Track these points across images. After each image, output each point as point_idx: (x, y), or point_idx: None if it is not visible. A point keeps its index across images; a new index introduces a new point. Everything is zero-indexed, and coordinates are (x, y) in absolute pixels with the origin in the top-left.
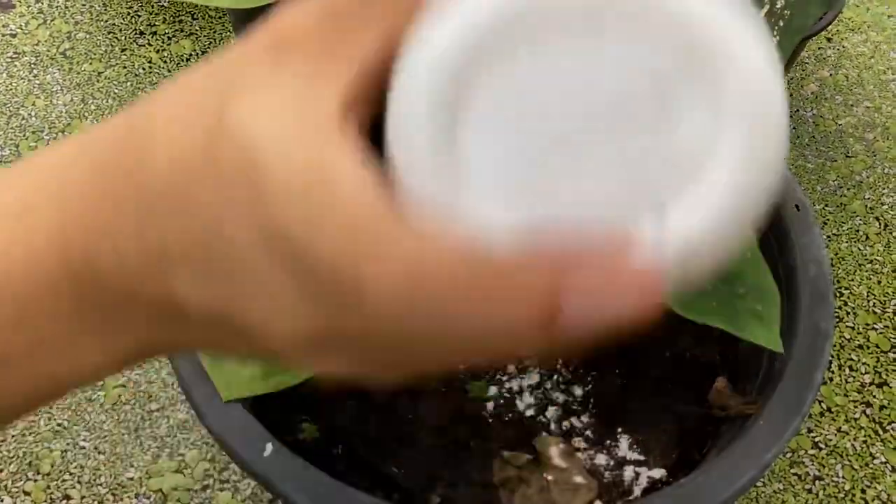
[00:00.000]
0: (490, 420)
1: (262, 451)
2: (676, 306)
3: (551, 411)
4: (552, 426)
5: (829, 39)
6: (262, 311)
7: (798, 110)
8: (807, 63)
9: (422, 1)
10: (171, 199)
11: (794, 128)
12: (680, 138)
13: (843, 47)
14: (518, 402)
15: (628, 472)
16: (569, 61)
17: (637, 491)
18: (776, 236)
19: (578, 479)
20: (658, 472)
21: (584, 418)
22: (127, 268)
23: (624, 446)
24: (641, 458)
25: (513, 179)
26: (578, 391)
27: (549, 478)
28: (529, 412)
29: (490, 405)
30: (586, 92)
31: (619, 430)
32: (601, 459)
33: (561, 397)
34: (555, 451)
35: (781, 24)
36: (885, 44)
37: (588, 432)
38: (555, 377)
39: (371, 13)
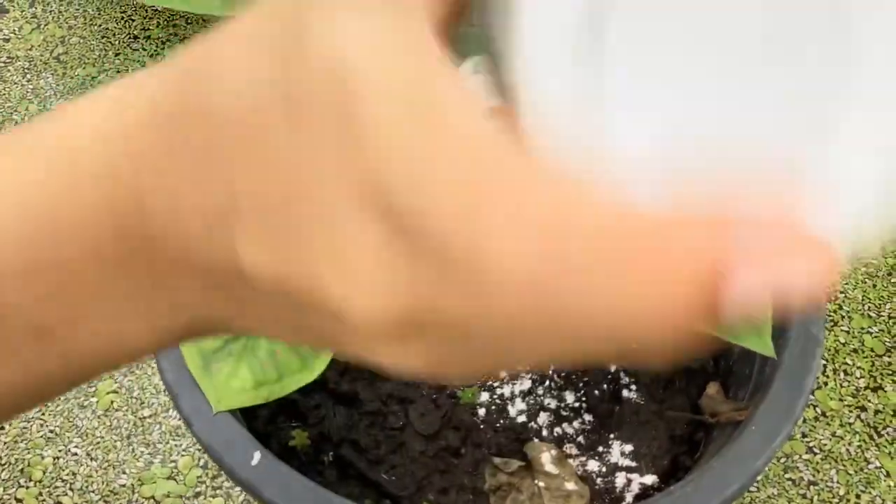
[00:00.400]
0: (481, 426)
1: (251, 459)
2: None
3: (543, 417)
4: (544, 432)
5: None
6: (345, 282)
7: None
8: None
9: None
10: (241, 143)
11: None
12: (859, 77)
13: None
14: (510, 407)
15: (620, 478)
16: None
17: (629, 497)
18: None
19: (570, 485)
20: (650, 479)
21: (576, 424)
22: (184, 225)
23: (616, 452)
24: (633, 464)
25: (666, 114)
26: (570, 397)
27: (541, 484)
28: (521, 418)
29: (482, 411)
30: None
31: (612, 436)
32: (593, 465)
33: (553, 403)
34: (546, 458)
35: None
36: None
37: (580, 438)
38: (547, 382)
39: None
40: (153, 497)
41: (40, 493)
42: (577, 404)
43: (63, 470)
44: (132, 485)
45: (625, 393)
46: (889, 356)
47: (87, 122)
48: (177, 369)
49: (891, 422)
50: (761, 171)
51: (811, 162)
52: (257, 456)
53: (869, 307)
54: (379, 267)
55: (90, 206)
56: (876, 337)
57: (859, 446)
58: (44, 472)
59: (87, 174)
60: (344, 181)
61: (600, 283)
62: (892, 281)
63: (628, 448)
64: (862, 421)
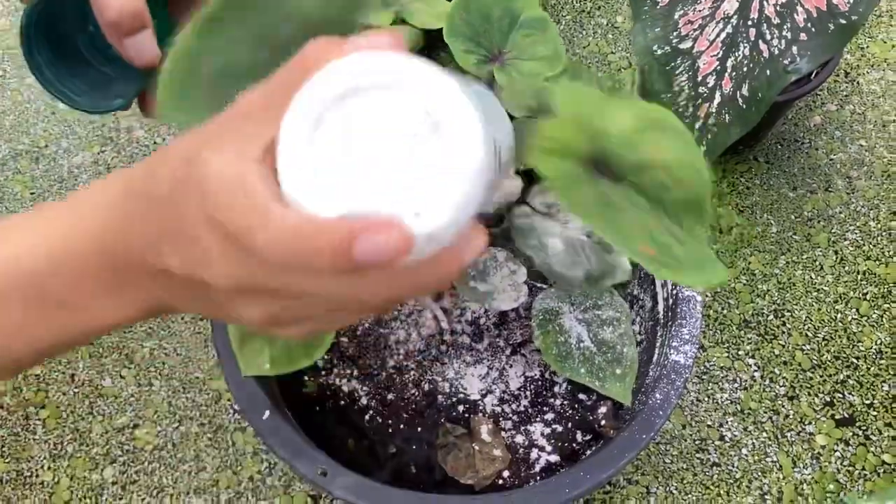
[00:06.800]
0: (442, 397)
1: (262, 415)
2: (554, 364)
3: (490, 398)
4: (488, 409)
5: (846, 73)
6: (209, 270)
7: (797, 140)
8: (819, 94)
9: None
10: (165, 207)
11: (788, 156)
12: (432, 164)
13: (858, 83)
14: (468, 387)
15: (534, 453)
16: (376, 105)
17: (537, 468)
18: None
19: (497, 452)
20: (554, 458)
21: (514, 406)
22: (139, 248)
23: (538, 433)
24: (547, 445)
25: (341, 180)
26: (514, 385)
27: (476, 448)
28: (474, 396)
29: (446, 385)
30: (386, 125)
31: (537, 421)
32: (519, 439)
33: (498, 389)
34: (484, 429)
35: (710, 136)
36: None
37: (514, 417)
38: (498, 373)
39: (284, 102)
40: (218, 390)
41: (138, 374)
42: (517, 392)
43: (156, 359)
44: (203, 378)
45: (550, 398)
46: (812, 372)
47: (88, 200)
48: (224, 341)
49: (795, 427)
50: (385, 208)
51: (411, 193)
52: (267, 413)
53: (808, 327)
54: (221, 257)
55: (91, 248)
56: (806, 354)
57: (763, 442)
58: (142, 359)
59: (89, 230)
60: (202, 220)
61: (304, 256)
62: (837, 308)
63: (547, 431)
64: (772, 423)
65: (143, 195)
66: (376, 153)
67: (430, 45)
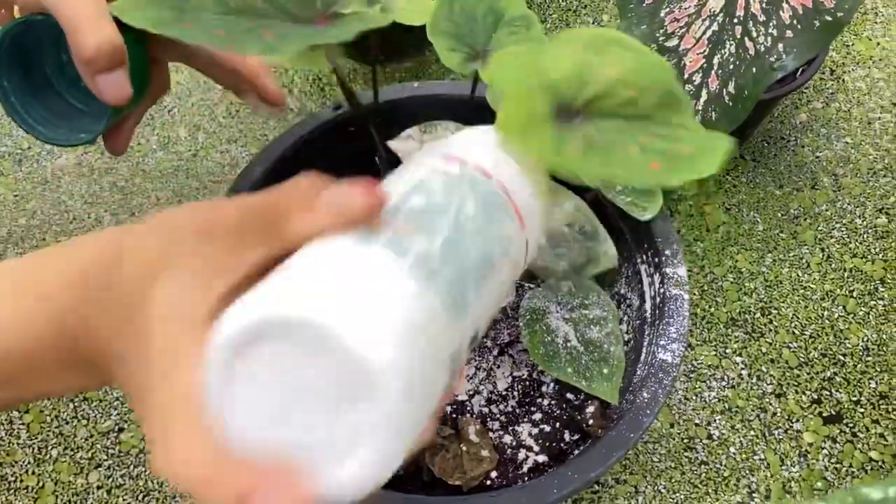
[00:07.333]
0: None
1: None
2: (541, 362)
3: (477, 398)
4: (475, 409)
5: (832, 71)
6: (142, 362)
7: (783, 138)
8: (805, 92)
9: (282, 241)
10: (117, 307)
11: (774, 154)
12: (346, 419)
13: (843, 81)
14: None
15: (522, 453)
16: (288, 356)
17: (525, 468)
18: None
19: (485, 452)
20: (542, 458)
21: (501, 407)
22: (91, 339)
23: (525, 434)
24: (535, 445)
25: (252, 418)
26: (502, 385)
27: (464, 448)
28: (461, 397)
29: None
30: (298, 374)
31: (525, 421)
32: (507, 440)
33: (486, 390)
34: (471, 430)
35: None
36: (884, 81)
37: (501, 418)
38: (485, 374)
39: (254, 239)
40: None
41: None
42: (505, 392)
43: None
44: None
45: (543, 388)
46: (799, 370)
47: (52, 280)
48: None
49: (783, 425)
50: (297, 456)
51: (322, 452)
52: None
53: (795, 325)
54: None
55: (50, 330)
56: (793, 351)
57: (751, 440)
58: None
59: (46, 313)
60: (142, 354)
61: (202, 485)
62: (824, 305)
63: (535, 431)
64: (760, 420)
65: (101, 291)
66: (301, 391)
67: (417, 43)
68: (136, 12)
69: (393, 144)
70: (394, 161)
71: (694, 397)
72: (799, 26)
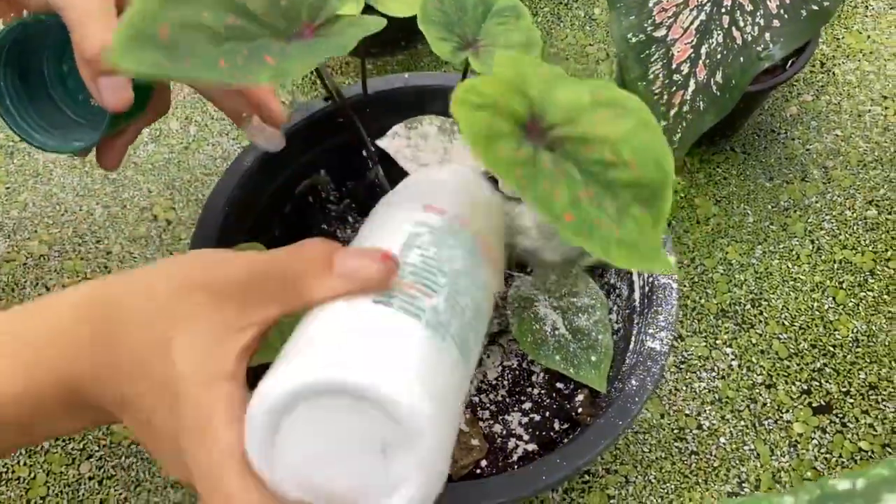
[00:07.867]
0: None
1: None
2: (529, 350)
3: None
4: (465, 399)
5: (822, 64)
6: (156, 453)
7: (774, 130)
8: (795, 84)
9: (299, 298)
10: (122, 377)
11: (764, 147)
12: (390, 470)
13: (833, 73)
14: None
15: (512, 442)
16: (327, 411)
17: (515, 457)
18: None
19: (475, 441)
20: (531, 447)
21: (492, 396)
22: (90, 392)
23: (515, 423)
24: (525, 434)
25: (299, 467)
26: (492, 375)
27: None
28: None
29: None
30: (337, 427)
31: (514, 410)
32: (497, 429)
33: (476, 379)
34: (462, 418)
35: (684, 124)
36: (874, 74)
37: (492, 407)
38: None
39: (266, 298)
40: None
41: None
42: (495, 382)
43: None
44: None
45: (533, 378)
46: (789, 361)
47: (58, 333)
48: None
49: (773, 416)
50: (343, 497)
51: (366, 492)
52: None
53: (785, 316)
54: (172, 459)
55: (49, 379)
56: (783, 342)
57: (741, 431)
58: None
59: (46, 363)
60: (166, 418)
61: None
62: (814, 297)
63: (524, 420)
64: (750, 411)
65: (99, 353)
66: (341, 443)
67: (407, 36)
68: (130, 55)
69: (381, 143)
70: (382, 153)
71: (684, 388)
72: (786, 15)
